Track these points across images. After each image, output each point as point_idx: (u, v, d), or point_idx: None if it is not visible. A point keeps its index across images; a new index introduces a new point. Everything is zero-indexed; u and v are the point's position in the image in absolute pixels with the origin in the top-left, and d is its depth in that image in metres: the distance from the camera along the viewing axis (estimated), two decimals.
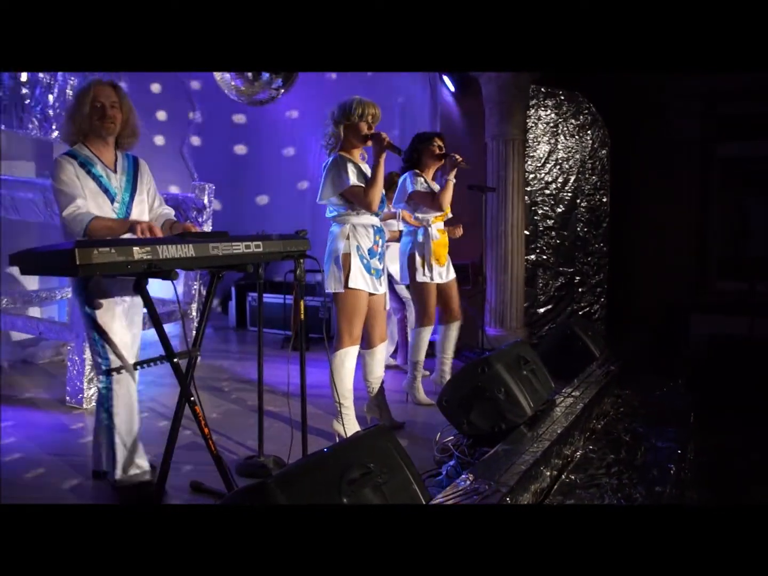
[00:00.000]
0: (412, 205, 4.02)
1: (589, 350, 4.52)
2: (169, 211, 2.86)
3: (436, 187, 4.11)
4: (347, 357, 3.22)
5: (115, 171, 2.64)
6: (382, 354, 3.48)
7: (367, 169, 3.25)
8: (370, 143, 3.18)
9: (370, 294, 3.26)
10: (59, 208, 2.47)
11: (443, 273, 4.12)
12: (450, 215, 4.26)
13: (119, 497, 2.55)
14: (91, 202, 2.51)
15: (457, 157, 3.87)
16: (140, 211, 2.70)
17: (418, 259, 3.99)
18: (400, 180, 4.06)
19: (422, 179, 4.01)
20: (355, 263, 3.16)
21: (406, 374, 4.31)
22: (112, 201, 2.59)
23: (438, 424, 3.43)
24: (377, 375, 3.47)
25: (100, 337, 2.50)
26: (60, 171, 2.49)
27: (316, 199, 3.25)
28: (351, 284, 3.14)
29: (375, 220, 3.27)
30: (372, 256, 3.25)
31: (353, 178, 3.11)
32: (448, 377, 4.25)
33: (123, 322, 2.59)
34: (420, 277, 3.98)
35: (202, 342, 2.55)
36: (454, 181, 3.89)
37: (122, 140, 2.69)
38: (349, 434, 3.19)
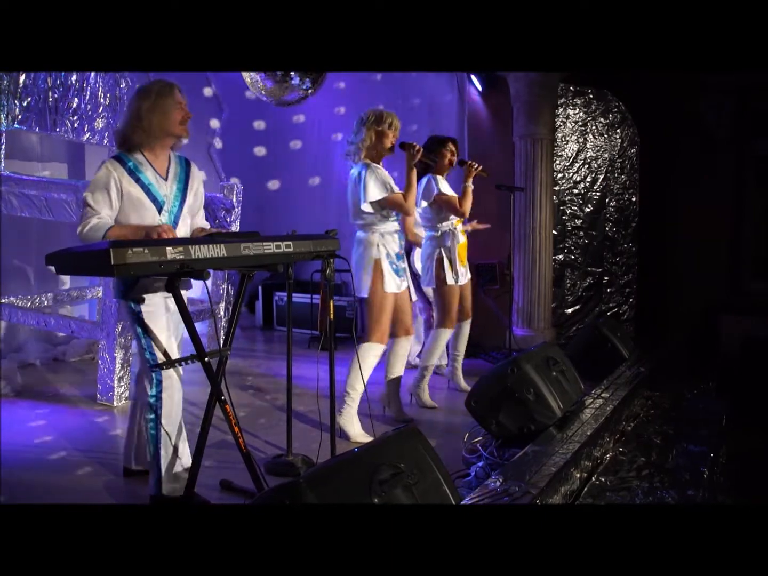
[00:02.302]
0: (435, 208, 4.05)
1: (618, 351, 4.48)
2: (206, 225, 2.79)
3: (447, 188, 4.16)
4: (371, 351, 3.33)
5: (166, 178, 2.56)
6: (404, 349, 3.61)
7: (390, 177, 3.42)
8: (390, 152, 3.40)
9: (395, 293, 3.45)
10: (80, 217, 2.44)
11: (464, 274, 4.19)
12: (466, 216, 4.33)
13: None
14: (134, 211, 2.46)
15: (476, 165, 3.99)
16: (186, 222, 2.64)
17: (446, 262, 4.02)
18: (423, 183, 4.06)
19: (444, 182, 4.08)
20: (387, 268, 3.33)
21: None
22: (160, 210, 2.51)
23: (460, 424, 3.43)
24: (394, 368, 3.60)
25: (144, 332, 2.45)
26: (98, 177, 2.43)
27: (360, 204, 3.32)
28: (387, 289, 3.32)
29: (397, 225, 3.45)
30: (399, 259, 3.43)
31: (395, 187, 3.32)
32: (460, 373, 4.40)
33: (165, 321, 2.52)
34: (449, 280, 4.01)
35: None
36: (472, 186, 3.99)
37: (177, 142, 2.63)
38: (345, 429, 3.33)
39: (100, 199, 2.41)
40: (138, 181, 2.48)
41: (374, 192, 3.27)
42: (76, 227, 2.41)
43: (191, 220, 2.69)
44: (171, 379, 2.47)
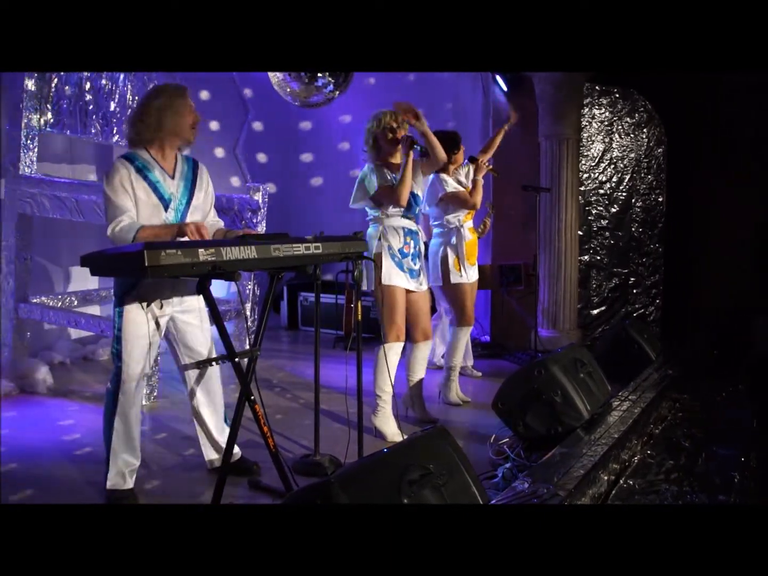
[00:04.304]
0: (442, 207, 4.09)
1: (645, 353, 4.44)
2: (220, 223, 2.85)
3: (461, 178, 4.18)
4: (390, 352, 3.33)
5: (173, 177, 2.61)
6: (423, 352, 3.61)
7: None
8: (394, 147, 3.40)
9: (409, 291, 3.42)
10: (106, 217, 2.47)
11: (471, 273, 4.18)
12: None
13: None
14: (142, 210, 2.50)
15: (486, 163, 4.06)
16: (195, 218, 2.68)
17: (451, 260, 4.05)
18: (428, 183, 4.08)
19: (450, 179, 4.09)
20: (387, 262, 3.32)
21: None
22: (166, 208, 2.55)
23: (485, 425, 3.42)
24: (416, 372, 3.61)
25: (119, 340, 2.53)
26: (113, 175, 2.47)
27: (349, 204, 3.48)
28: (385, 281, 3.30)
29: (406, 222, 3.42)
30: (404, 256, 3.39)
31: (378, 181, 3.33)
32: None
33: (147, 334, 2.58)
34: (455, 279, 4.04)
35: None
36: (483, 181, 4.04)
37: (184, 145, 2.70)
38: (382, 429, 3.36)
39: (122, 196, 2.46)
40: (145, 179, 2.52)
41: (358, 195, 3.37)
42: (106, 221, 2.45)
43: (202, 218, 2.73)
44: (127, 392, 2.58)
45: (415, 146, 3.29)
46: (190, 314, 2.72)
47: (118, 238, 2.39)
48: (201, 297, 2.67)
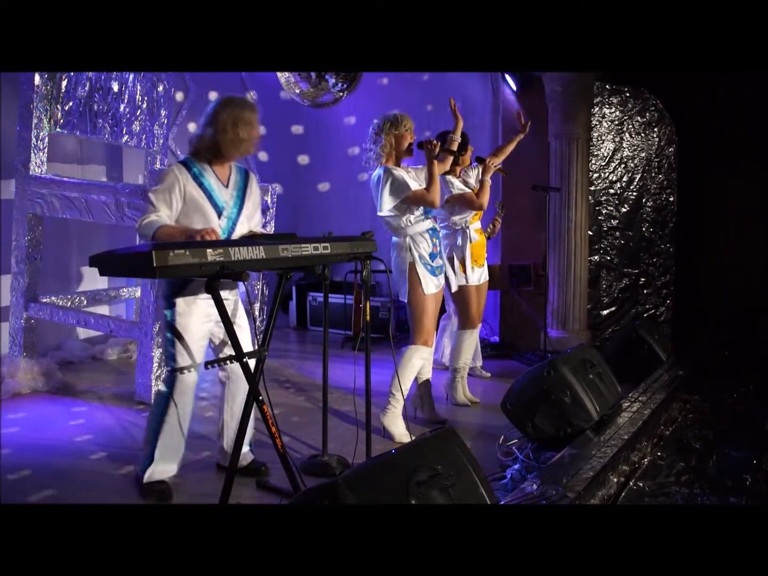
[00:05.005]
0: (448, 208, 4.07)
1: (655, 354, 4.41)
2: (258, 229, 2.84)
3: (470, 180, 4.16)
4: (416, 354, 3.36)
5: (227, 186, 2.64)
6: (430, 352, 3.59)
7: (414, 176, 3.40)
8: (408, 154, 3.40)
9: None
10: (143, 211, 2.53)
11: (480, 275, 4.17)
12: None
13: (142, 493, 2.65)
14: (195, 215, 2.54)
15: (495, 163, 4.02)
16: (244, 229, 2.72)
17: (456, 262, 4.04)
18: None
19: (456, 181, 4.06)
20: (422, 272, 3.33)
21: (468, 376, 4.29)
22: (219, 215, 2.59)
23: (493, 426, 3.41)
24: (424, 369, 3.59)
25: (173, 336, 2.55)
26: (164, 179, 2.52)
27: (377, 212, 3.38)
28: (426, 292, 3.33)
29: (428, 223, 3.40)
30: (434, 258, 3.40)
31: (413, 184, 3.27)
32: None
33: (198, 330, 2.61)
34: (459, 281, 4.03)
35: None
36: (491, 182, 4.00)
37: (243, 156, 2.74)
38: (390, 429, 3.35)
39: (161, 198, 2.50)
40: (201, 186, 2.57)
41: (388, 200, 3.26)
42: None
43: (249, 226, 2.75)
44: (181, 387, 2.60)
45: (439, 154, 3.32)
46: (231, 312, 2.72)
47: (142, 232, 2.47)
48: (235, 293, 2.74)
